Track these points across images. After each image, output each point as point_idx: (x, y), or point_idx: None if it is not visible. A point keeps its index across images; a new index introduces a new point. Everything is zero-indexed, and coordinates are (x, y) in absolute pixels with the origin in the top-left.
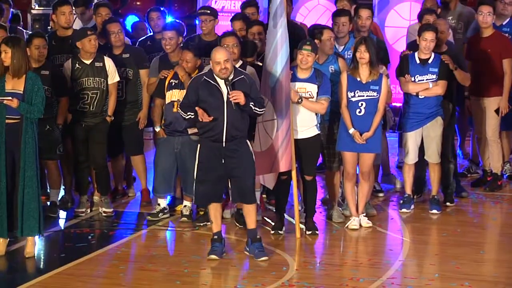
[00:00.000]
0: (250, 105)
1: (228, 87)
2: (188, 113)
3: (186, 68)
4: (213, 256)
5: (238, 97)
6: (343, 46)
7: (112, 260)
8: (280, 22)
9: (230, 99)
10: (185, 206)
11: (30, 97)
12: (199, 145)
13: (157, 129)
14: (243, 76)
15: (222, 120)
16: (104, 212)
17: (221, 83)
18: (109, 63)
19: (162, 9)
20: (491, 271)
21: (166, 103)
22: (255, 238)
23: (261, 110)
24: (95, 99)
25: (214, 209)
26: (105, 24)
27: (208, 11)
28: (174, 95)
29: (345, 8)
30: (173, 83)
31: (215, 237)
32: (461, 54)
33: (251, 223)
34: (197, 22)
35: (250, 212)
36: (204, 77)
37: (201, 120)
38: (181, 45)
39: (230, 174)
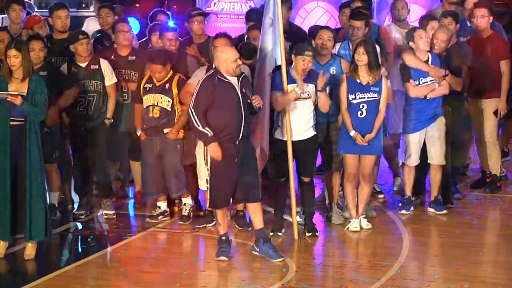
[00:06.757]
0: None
1: (239, 83)
2: (206, 129)
3: (159, 77)
4: (223, 258)
5: (260, 101)
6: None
7: (112, 262)
8: (270, 23)
9: (254, 104)
10: (184, 204)
11: (33, 99)
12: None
13: (139, 132)
14: (244, 73)
15: (240, 117)
16: (106, 214)
17: (233, 80)
18: (104, 65)
19: (168, 12)
20: (490, 273)
21: (144, 107)
22: (267, 238)
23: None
24: (93, 102)
25: (223, 211)
26: (115, 24)
27: (200, 12)
28: (149, 100)
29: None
30: (147, 88)
31: (223, 238)
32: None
33: (258, 223)
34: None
35: (255, 211)
36: (217, 76)
37: (214, 156)
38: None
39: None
